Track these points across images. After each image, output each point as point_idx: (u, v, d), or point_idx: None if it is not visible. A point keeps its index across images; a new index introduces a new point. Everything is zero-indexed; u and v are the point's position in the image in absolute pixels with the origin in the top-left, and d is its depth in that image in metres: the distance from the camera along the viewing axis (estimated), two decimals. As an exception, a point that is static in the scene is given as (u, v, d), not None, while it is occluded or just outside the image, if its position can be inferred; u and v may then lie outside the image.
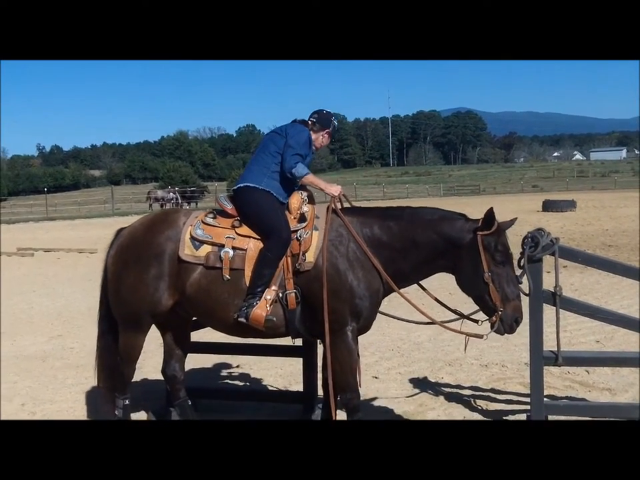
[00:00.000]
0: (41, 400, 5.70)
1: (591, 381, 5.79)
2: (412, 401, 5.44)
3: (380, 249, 4.14)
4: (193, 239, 4.25)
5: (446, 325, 4.39)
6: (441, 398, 5.51)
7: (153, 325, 4.56)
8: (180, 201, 44.11)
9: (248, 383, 6.08)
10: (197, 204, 44.37)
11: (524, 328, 4.19)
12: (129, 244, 4.40)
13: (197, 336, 5.22)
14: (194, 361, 6.08)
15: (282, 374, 6.27)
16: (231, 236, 4.24)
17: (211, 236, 4.25)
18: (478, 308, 4.18)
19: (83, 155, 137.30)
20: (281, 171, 4.31)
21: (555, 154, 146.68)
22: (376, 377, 6.08)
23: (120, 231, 4.60)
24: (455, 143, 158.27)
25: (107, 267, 4.50)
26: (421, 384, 5.88)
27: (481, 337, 4.14)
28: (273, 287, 4.12)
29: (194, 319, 4.68)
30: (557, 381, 5.77)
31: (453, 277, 4.20)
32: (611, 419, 4.34)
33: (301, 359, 5.18)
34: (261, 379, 6.17)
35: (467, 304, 4.39)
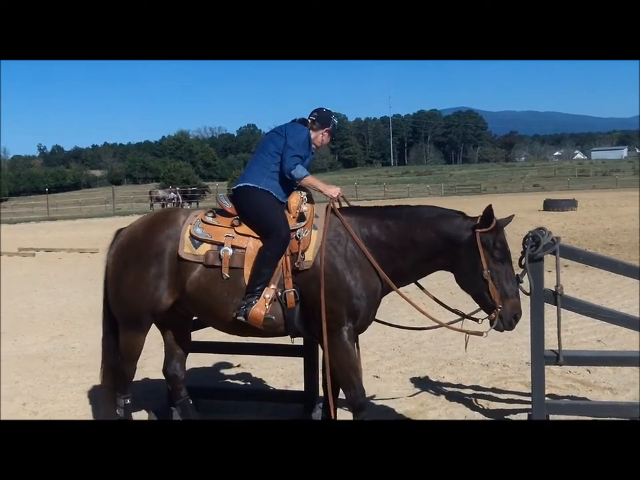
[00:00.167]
0: (43, 400, 5.70)
1: (592, 380, 5.78)
2: (413, 400, 5.44)
3: (378, 248, 4.14)
4: (192, 237, 4.25)
5: (445, 324, 4.39)
6: (442, 397, 5.51)
7: (154, 325, 4.57)
8: (181, 201, 44.16)
9: (249, 383, 6.08)
10: (197, 204, 44.36)
11: (525, 327, 4.19)
12: (128, 243, 4.41)
13: (198, 335, 5.22)
14: (195, 361, 6.08)
15: (283, 373, 6.27)
16: (231, 235, 4.25)
17: (210, 235, 4.25)
18: (478, 307, 4.18)
19: (84, 155, 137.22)
20: (280, 170, 4.32)
21: (556, 153, 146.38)
22: (377, 376, 6.08)
23: (120, 230, 4.61)
24: (455, 143, 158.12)
25: (107, 266, 4.51)
26: (422, 383, 5.87)
27: (481, 334, 4.14)
28: (272, 286, 4.12)
29: (194, 318, 4.70)
30: (558, 380, 5.76)
31: (453, 275, 4.20)
32: (612, 419, 4.34)
33: (302, 358, 5.19)
34: (261, 378, 6.17)
35: (467, 303, 4.40)
